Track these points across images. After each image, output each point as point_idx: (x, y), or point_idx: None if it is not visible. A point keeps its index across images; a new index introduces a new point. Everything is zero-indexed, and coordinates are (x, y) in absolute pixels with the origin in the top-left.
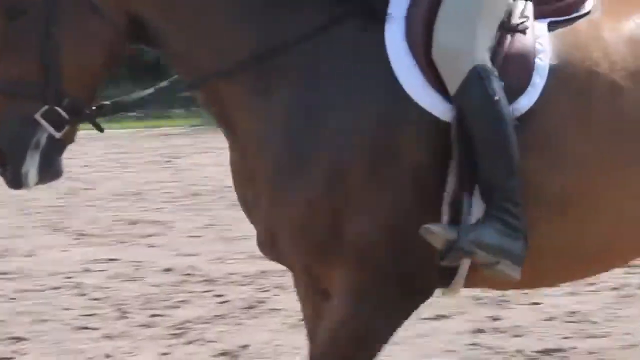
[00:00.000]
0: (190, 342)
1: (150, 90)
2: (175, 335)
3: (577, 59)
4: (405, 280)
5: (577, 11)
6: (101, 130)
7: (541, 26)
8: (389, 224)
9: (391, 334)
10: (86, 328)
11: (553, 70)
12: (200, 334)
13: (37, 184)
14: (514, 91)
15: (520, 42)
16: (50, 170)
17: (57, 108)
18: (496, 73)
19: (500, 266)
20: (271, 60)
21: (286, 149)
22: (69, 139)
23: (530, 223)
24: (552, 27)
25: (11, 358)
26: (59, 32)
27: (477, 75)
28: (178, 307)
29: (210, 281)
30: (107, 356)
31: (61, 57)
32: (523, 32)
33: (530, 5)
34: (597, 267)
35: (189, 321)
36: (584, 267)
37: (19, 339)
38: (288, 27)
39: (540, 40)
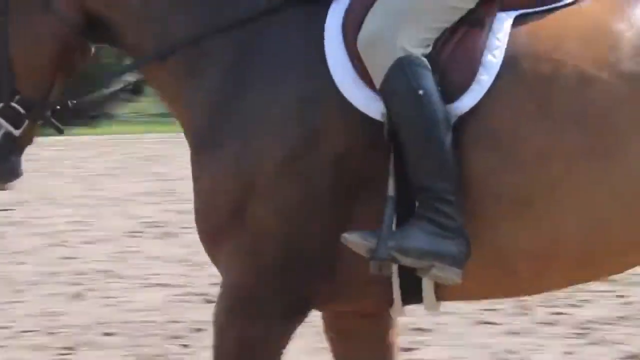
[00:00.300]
0: (594, 343)
1: (110, 90)
2: (579, 335)
3: (540, 51)
4: (293, 287)
5: (556, 1)
6: (60, 131)
7: (504, 20)
8: (292, 217)
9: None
10: (487, 323)
11: (508, 66)
12: (605, 335)
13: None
14: (457, 89)
15: (470, 38)
16: (5, 170)
17: (13, 104)
18: (426, 65)
19: (434, 270)
20: (203, 44)
21: (204, 129)
22: (26, 139)
23: (491, 223)
24: (520, 19)
25: (414, 349)
26: (9, 27)
27: (400, 68)
28: (581, 306)
29: (612, 281)
30: (510, 352)
31: (10, 53)
32: (477, 26)
33: None
34: (576, 274)
35: (591, 321)
36: (560, 273)
37: (421, 330)
38: (223, 12)
39: (498, 35)
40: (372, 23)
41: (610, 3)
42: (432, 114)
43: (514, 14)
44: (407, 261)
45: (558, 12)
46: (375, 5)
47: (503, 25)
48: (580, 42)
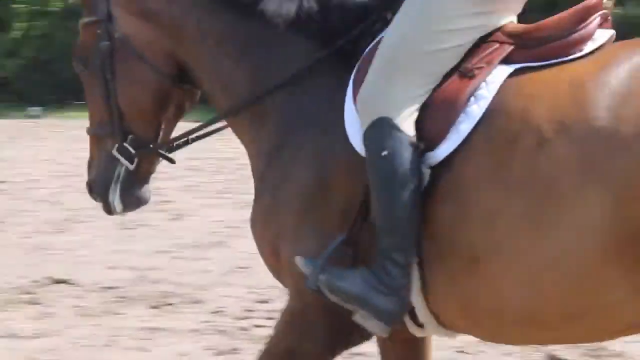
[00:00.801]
0: None
1: (200, 124)
2: None
3: (517, 107)
4: (335, 316)
5: (560, 56)
6: (172, 161)
7: (501, 71)
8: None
9: None
10: None
11: (487, 118)
12: None
13: (123, 211)
14: (434, 137)
15: (456, 87)
16: (131, 199)
17: (125, 144)
18: (405, 128)
19: (358, 316)
20: (262, 100)
21: (259, 177)
22: (147, 170)
23: (449, 276)
24: (519, 72)
25: None
26: (114, 79)
27: (374, 128)
28: None
29: None
30: None
31: (119, 103)
32: (469, 77)
33: (501, 49)
34: (529, 333)
35: None
36: (518, 332)
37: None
38: (274, 71)
39: (489, 87)
40: (365, 85)
41: (607, 57)
42: (390, 176)
43: (515, 67)
44: (333, 298)
45: (554, 68)
46: (372, 66)
47: (498, 77)
48: (551, 101)
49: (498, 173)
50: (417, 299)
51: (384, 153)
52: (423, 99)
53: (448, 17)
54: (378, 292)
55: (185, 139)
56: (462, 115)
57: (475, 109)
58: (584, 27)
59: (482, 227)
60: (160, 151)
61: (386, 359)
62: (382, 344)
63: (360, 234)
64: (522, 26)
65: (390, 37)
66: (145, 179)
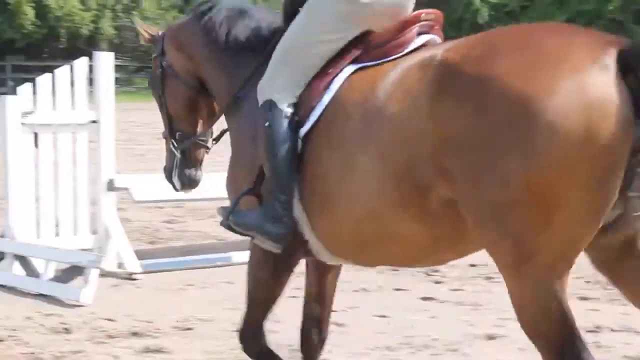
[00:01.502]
0: None
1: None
2: None
3: (344, 96)
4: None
5: (386, 57)
6: (208, 148)
7: (346, 70)
8: None
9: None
10: None
11: (331, 104)
12: None
13: (182, 189)
14: (303, 116)
15: (318, 81)
16: (185, 180)
17: (175, 139)
18: (282, 106)
19: (256, 240)
20: (233, 101)
21: (231, 162)
22: (195, 157)
23: (318, 212)
24: (357, 70)
25: None
26: (164, 94)
27: (263, 106)
28: None
29: None
30: None
31: (169, 109)
32: (327, 74)
33: (352, 53)
34: (361, 255)
35: None
36: (353, 254)
37: None
38: (238, 79)
39: (336, 81)
40: (264, 74)
41: (407, 56)
42: (271, 140)
43: (357, 66)
44: (239, 231)
45: (376, 66)
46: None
47: (343, 74)
48: (360, 90)
49: (330, 141)
50: (306, 231)
51: (267, 124)
52: (300, 89)
53: (321, 31)
54: (268, 222)
55: (219, 133)
56: (319, 102)
57: (326, 98)
58: (402, 35)
59: (324, 176)
60: (198, 141)
61: (309, 281)
62: (308, 270)
63: (261, 186)
64: (371, 34)
65: (281, 43)
66: (195, 164)
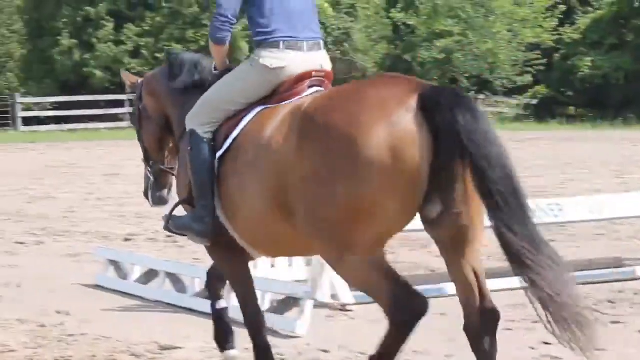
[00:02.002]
0: None
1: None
2: None
3: (246, 130)
4: (228, 247)
5: (283, 102)
6: (174, 174)
7: (256, 110)
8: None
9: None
10: None
11: (237, 137)
12: None
13: (154, 206)
14: (219, 144)
15: (231, 121)
16: (156, 200)
17: (149, 167)
18: (202, 135)
19: (188, 237)
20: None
21: (176, 180)
22: (166, 182)
23: (232, 216)
24: (262, 110)
25: None
26: (141, 130)
27: (188, 135)
28: None
29: None
30: None
31: (144, 142)
32: (240, 114)
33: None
34: (263, 249)
35: None
36: (268, 249)
37: None
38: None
39: (245, 120)
40: (192, 110)
41: (294, 103)
42: (194, 159)
43: (263, 107)
44: (175, 232)
45: (274, 108)
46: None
47: (252, 114)
48: (257, 126)
49: (235, 165)
50: (229, 229)
51: (189, 148)
52: (215, 125)
53: (241, 95)
54: (194, 222)
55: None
56: (231, 133)
57: (236, 131)
58: (298, 86)
59: (232, 190)
60: (166, 169)
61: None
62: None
63: (191, 198)
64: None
65: (209, 91)
66: (165, 186)
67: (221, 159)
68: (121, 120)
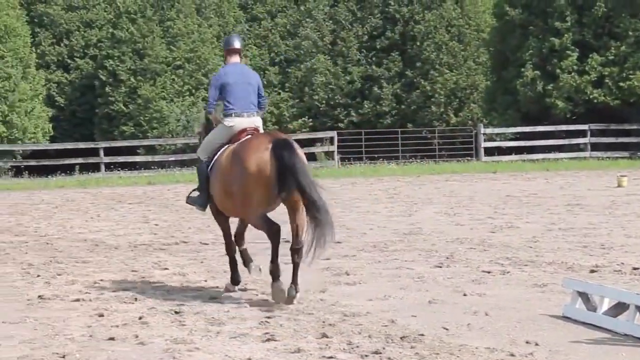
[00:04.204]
0: None
1: None
2: None
3: (220, 156)
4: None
5: (238, 141)
6: None
7: (223, 148)
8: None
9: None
10: None
11: (216, 160)
12: None
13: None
14: (209, 165)
15: (217, 151)
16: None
17: None
18: (203, 159)
19: (194, 207)
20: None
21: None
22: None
23: (216, 199)
24: (227, 147)
25: None
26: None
27: (198, 160)
28: None
29: None
30: None
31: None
32: (222, 148)
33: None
34: (237, 214)
35: None
36: (229, 212)
37: None
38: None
39: (220, 151)
40: (199, 147)
41: (240, 143)
42: (199, 171)
43: (227, 146)
44: (189, 203)
45: (232, 146)
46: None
47: (221, 150)
48: (223, 156)
49: (214, 174)
50: (216, 203)
51: (196, 166)
52: (213, 153)
53: (218, 138)
54: (197, 200)
55: None
56: (214, 159)
57: (215, 158)
58: (241, 134)
59: (212, 186)
60: None
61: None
62: (240, 221)
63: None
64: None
65: (206, 138)
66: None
67: (210, 171)
68: (582, 150)
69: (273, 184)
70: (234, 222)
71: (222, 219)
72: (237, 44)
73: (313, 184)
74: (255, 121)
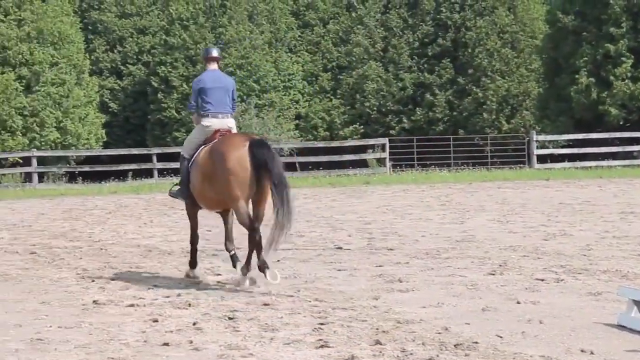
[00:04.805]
0: None
1: None
2: None
3: (199, 155)
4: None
5: (210, 142)
6: None
7: (201, 147)
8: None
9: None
10: None
11: (196, 157)
12: None
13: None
14: (190, 162)
15: (196, 150)
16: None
17: None
18: (184, 157)
19: (178, 199)
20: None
21: None
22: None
23: (195, 192)
24: (204, 146)
25: None
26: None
27: (181, 157)
28: None
29: None
30: None
31: None
32: (202, 147)
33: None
34: (213, 206)
35: None
36: (208, 205)
37: None
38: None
39: (199, 150)
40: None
41: (216, 142)
42: (181, 167)
43: (204, 146)
44: (172, 195)
45: (210, 144)
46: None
47: (200, 149)
48: (202, 153)
49: (194, 169)
50: (194, 196)
51: (179, 161)
52: (194, 151)
53: (197, 138)
54: (180, 192)
55: None
56: (194, 157)
57: (195, 156)
58: (215, 135)
59: (192, 180)
60: None
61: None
62: (223, 215)
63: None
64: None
65: (187, 138)
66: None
67: (190, 167)
68: (635, 157)
69: (251, 178)
70: (213, 218)
71: (192, 215)
72: (215, 53)
73: (283, 178)
74: (228, 122)
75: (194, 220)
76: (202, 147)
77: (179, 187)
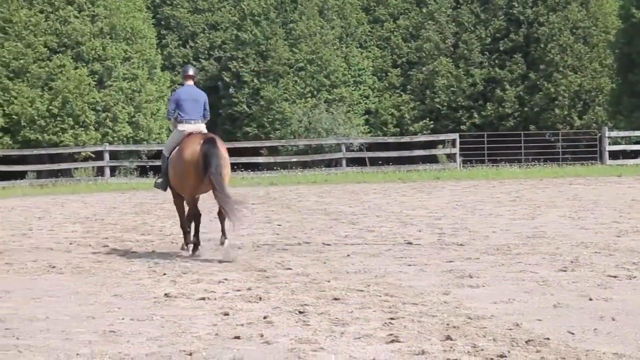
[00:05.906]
0: None
1: None
2: None
3: (173, 154)
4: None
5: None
6: None
7: (176, 147)
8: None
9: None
10: None
11: (177, 150)
12: None
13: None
14: (168, 157)
15: (174, 148)
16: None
17: None
18: (166, 154)
19: (159, 189)
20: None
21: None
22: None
23: (172, 181)
24: (177, 148)
25: None
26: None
27: (162, 155)
28: None
29: None
30: None
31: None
32: (174, 148)
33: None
34: (185, 191)
35: None
36: (183, 191)
37: None
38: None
39: (174, 150)
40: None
41: (190, 138)
42: (162, 163)
43: (178, 146)
44: (156, 187)
45: (190, 137)
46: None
47: (176, 149)
48: (175, 152)
49: (171, 164)
50: (173, 185)
51: (162, 158)
52: (171, 150)
53: (175, 141)
54: (161, 184)
55: None
56: (173, 152)
57: (172, 155)
58: (188, 138)
59: (170, 172)
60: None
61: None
62: (192, 201)
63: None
64: (186, 135)
65: (167, 140)
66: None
67: (169, 162)
68: None
69: (201, 168)
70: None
71: (179, 203)
72: (191, 72)
73: (219, 169)
74: (199, 127)
75: (180, 208)
76: (178, 146)
77: (161, 179)
